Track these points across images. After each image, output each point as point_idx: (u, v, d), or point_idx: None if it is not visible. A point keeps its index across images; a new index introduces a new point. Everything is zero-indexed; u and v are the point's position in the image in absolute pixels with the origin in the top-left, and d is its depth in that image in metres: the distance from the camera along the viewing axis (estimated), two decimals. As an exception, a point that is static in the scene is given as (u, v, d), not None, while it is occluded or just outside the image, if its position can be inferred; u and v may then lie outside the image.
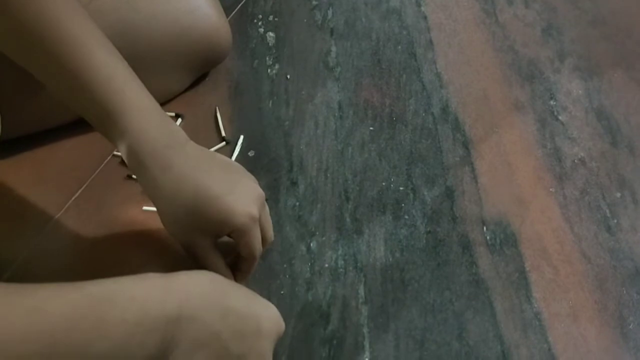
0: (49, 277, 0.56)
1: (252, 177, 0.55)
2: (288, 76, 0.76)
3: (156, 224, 0.61)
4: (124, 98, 0.50)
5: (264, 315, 0.47)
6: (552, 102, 0.76)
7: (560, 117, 0.74)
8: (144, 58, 0.64)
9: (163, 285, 0.43)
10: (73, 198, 0.63)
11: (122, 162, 0.66)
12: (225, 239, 0.54)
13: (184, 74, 0.71)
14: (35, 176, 0.64)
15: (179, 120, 0.71)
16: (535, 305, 0.58)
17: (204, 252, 0.52)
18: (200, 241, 0.52)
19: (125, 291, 0.41)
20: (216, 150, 0.68)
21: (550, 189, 0.67)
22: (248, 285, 0.58)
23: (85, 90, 0.49)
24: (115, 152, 0.67)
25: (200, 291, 0.44)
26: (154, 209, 0.62)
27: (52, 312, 0.38)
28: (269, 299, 0.57)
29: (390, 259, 0.61)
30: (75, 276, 0.57)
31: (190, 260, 0.54)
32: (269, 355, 0.47)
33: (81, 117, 0.66)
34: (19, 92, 0.59)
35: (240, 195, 0.50)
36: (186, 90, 0.74)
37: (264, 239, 0.54)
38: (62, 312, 0.38)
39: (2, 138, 0.62)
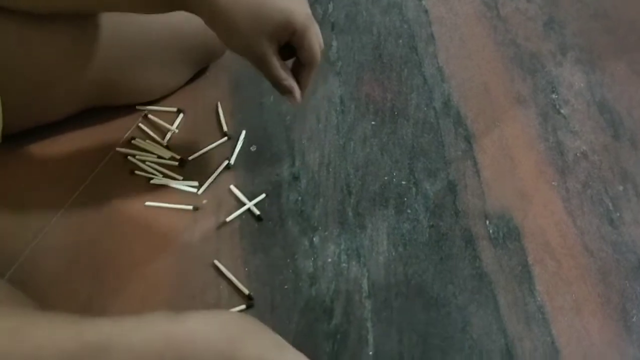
0: (52, 273, 0.57)
1: None
2: (289, 71, 0.76)
3: (160, 219, 0.61)
4: None
5: None
6: (554, 96, 0.75)
7: (562, 111, 0.74)
8: (141, 52, 0.64)
9: (166, 333, 0.39)
10: (76, 194, 0.63)
11: (125, 158, 0.66)
12: None
13: (183, 68, 0.71)
14: (37, 172, 0.64)
15: (181, 115, 0.70)
16: (539, 299, 0.58)
17: (273, 60, 0.55)
18: (267, 48, 0.54)
19: (124, 340, 0.39)
20: (217, 146, 0.68)
21: (553, 183, 0.67)
22: (250, 278, 0.58)
23: None
24: (117, 148, 0.67)
25: (207, 339, 0.40)
26: (158, 204, 0.62)
27: (49, 351, 0.37)
28: (272, 295, 0.57)
29: (393, 253, 0.61)
30: (77, 272, 0.57)
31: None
32: None
33: (83, 111, 0.67)
34: (21, 87, 0.59)
35: (295, 3, 0.54)
36: (187, 85, 0.73)
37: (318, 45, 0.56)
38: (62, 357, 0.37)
39: (4, 133, 0.62)
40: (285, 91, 0.58)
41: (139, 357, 0.38)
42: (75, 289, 0.57)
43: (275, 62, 0.56)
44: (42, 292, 0.55)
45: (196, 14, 0.53)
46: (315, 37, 0.56)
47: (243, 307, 0.56)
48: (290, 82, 0.57)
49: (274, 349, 0.42)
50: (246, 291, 0.57)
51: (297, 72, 0.59)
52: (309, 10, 0.55)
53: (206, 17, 0.53)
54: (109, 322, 0.39)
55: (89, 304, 0.56)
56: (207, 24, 0.54)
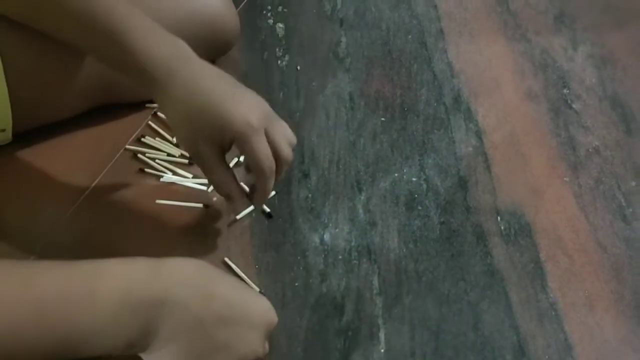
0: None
1: (260, 99, 0.54)
2: (298, 67, 0.76)
3: (170, 217, 0.61)
4: (129, 22, 0.51)
5: (253, 305, 0.47)
6: (565, 91, 0.75)
7: (574, 106, 0.73)
8: None
9: (150, 268, 0.44)
10: (86, 192, 0.63)
11: (135, 156, 0.66)
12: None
13: None
14: (48, 170, 0.64)
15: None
16: (551, 295, 0.58)
17: (210, 163, 0.53)
18: (206, 150, 0.52)
19: (114, 270, 0.43)
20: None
21: (565, 178, 0.67)
22: (261, 275, 0.58)
23: (91, 23, 0.51)
24: (127, 146, 0.67)
25: (186, 276, 0.44)
26: (168, 202, 0.62)
27: (44, 282, 0.39)
28: (283, 292, 0.57)
29: (404, 250, 0.60)
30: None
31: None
32: (258, 344, 0.47)
33: (93, 108, 0.67)
34: (31, 85, 0.59)
35: (240, 105, 0.51)
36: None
37: (277, 157, 0.53)
38: (54, 283, 0.40)
39: (14, 131, 0.62)
40: (224, 197, 0.56)
41: (127, 284, 0.42)
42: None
43: (213, 165, 0.53)
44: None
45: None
46: (258, 150, 0.51)
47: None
48: (230, 187, 0.54)
49: (241, 287, 0.49)
50: (257, 288, 0.57)
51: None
52: (252, 119, 0.51)
53: (158, 104, 0.54)
54: (100, 259, 0.43)
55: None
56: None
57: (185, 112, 0.52)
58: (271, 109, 0.54)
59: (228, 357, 0.45)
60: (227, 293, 0.46)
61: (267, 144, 0.52)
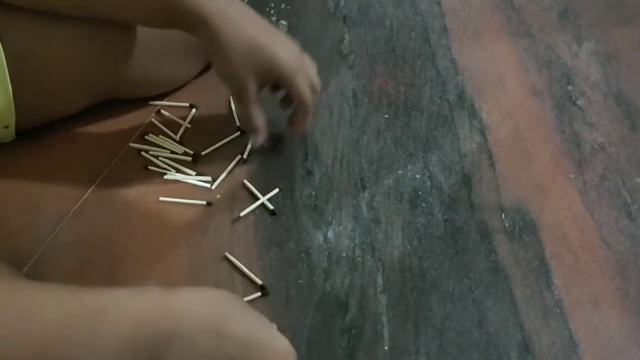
0: (67, 270, 0.57)
1: (290, 40, 0.62)
2: (301, 65, 0.75)
3: (174, 214, 0.61)
4: None
5: (269, 347, 0.43)
6: (570, 87, 0.74)
7: (578, 102, 0.73)
8: (151, 42, 0.64)
9: (160, 304, 0.41)
10: (90, 190, 0.63)
11: (138, 153, 0.66)
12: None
13: (193, 58, 0.71)
14: (51, 168, 0.64)
15: (193, 110, 0.70)
16: (556, 293, 0.57)
17: (250, 97, 0.60)
18: (251, 86, 0.59)
19: (121, 305, 0.40)
20: (230, 141, 0.68)
21: (570, 175, 0.66)
22: (265, 272, 0.58)
23: None
24: (131, 144, 0.67)
25: (197, 311, 0.42)
26: (171, 199, 0.62)
27: (46, 318, 0.37)
28: (287, 290, 0.57)
29: (408, 247, 0.60)
30: (92, 268, 0.57)
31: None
32: None
33: (96, 106, 0.67)
34: (36, 81, 0.59)
35: (283, 48, 0.59)
36: (199, 79, 0.73)
37: (312, 90, 0.62)
38: (56, 319, 0.37)
39: (18, 129, 0.62)
40: (251, 129, 0.63)
41: (135, 323, 0.40)
42: (89, 285, 0.56)
43: (251, 100, 0.60)
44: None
45: (198, 39, 0.58)
46: (301, 85, 0.60)
47: (258, 294, 0.56)
48: (258, 123, 0.62)
49: (259, 326, 0.44)
50: (259, 282, 0.57)
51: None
52: (293, 61, 0.60)
53: (206, 43, 0.57)
54: (107, 290, 0.41)
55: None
56: (205, 47, 0.58)
57: (239, 53, 0.57)
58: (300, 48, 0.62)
59: None
60: (241, 333, 0.43)
61: (306, 81, 0.61)
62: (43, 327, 0.37)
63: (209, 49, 0.58)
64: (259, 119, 0.62)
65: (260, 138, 0.63)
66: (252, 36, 0.57)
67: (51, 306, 0.38)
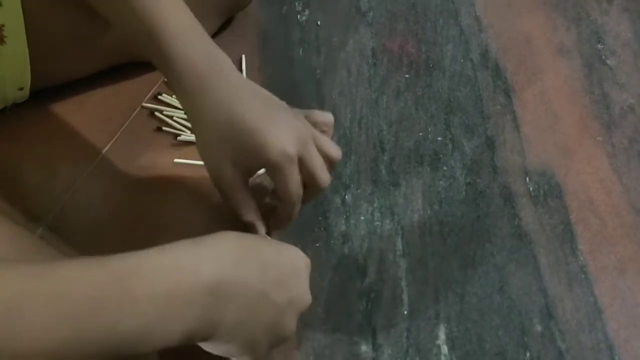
0: (82, 232, 0.57)
1: (300, 117, 0.51)
2: (319, 22, 0.73)
3: (189, 176, 0.60)
4: (168, 22, 0.49)
5: (293, 257, 0.46)
6: (599, 46, 0.72)
7: (608, 62, 0.70)
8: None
9: (194, 252, 0.40)
10: (104, 151, 0.62)
11: (152, 114, 0.65)
12: (267, 180, 0.52)
13: (207, 18, 0.68)
14: (65, 129, 0.63)
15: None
16: (581, 258, 0.56)
17: (233, 188, 0.50)
18: (229, 173, 0.49)
19: (153, 263, 0.38)
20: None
21: (598, 138, 0.64)
22: (283, 237, 0.57)
23: (130, 14, 0.48)
24: (144, 104, 0.65)
25: (233, 253, 0.41)
26: (186, 161, 0.61)
27: (75, 295, 0.36)
28: (304, 252, 0.55)
29: (429, 212, 0.59)
30: (107, 230, 0.57)
31: (221, 214, 0.52)
32: (307, 288, 0.46)
33: (108, 67, 0.66)
34: (50, 42, 0.58)
35: (276, 131, 0.47)
36: (213, 38, 0.71)
37: (313, 183, 0.50)
38: (86, 294, 0.36)
39: (32, 89, 0.61)
40: (248, 225, 0.51)
41: (173, 277, 0.38)
42: (104, 247, 0.56)
43: (236, 191, 0.50)
44: (71, 252, 0.55)
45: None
46: (291, 180, 0.48)
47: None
48: (248, 217, 0.50)
49: (278, 244, 0.48)
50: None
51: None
52: (289, 148, 0.47)
53: (189, 118, 0.52)
54: (133, 253, 0.39)
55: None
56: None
57: (216, 133, 0.48)
58: (309, 125, 0.50)
59: (293, 313, 0.44)
60: (274, 256, 0.44)
61: (298, 174, 0.49)
62: (75, 303, 0.35)
63: (189, 121, 0.52)
64: (248, 211, 0.50)
65: (260, 232, 0.51)
66: (239, 119, 0.47)
67: (78, 281, 0.36)
